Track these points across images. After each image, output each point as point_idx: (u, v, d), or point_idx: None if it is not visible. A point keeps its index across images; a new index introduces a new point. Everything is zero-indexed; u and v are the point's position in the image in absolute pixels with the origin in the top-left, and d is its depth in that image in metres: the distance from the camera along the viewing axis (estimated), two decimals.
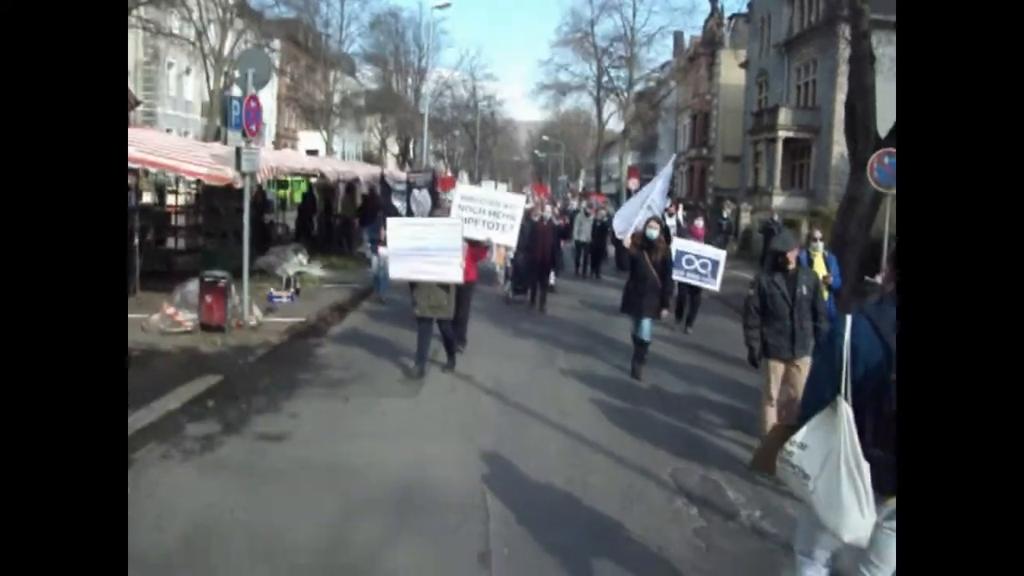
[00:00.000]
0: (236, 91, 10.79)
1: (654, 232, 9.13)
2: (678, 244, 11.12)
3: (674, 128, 53.76)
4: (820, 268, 8.46)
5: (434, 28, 45.32)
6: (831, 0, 29.40)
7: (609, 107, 47.35)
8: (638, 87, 45.98)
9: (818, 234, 9.38)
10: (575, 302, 15.18)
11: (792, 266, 6.47)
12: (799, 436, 3.12)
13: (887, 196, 12.49)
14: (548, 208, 15.42)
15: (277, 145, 38.82)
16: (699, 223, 14.26)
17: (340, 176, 18.85)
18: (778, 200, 31.88)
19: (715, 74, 44.43)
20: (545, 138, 75.48)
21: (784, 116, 31.77)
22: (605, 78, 43.64)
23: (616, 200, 35.35)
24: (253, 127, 10.06)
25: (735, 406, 8.05)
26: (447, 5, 32.30)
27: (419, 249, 8.27)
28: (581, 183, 74.32)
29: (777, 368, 6.55)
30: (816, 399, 3.11)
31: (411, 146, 50.01)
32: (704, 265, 11.22)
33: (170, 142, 14.28)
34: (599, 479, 5.83)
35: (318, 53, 42.09)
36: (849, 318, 3.09)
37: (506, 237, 10.50)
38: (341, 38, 41.34)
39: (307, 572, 4.29)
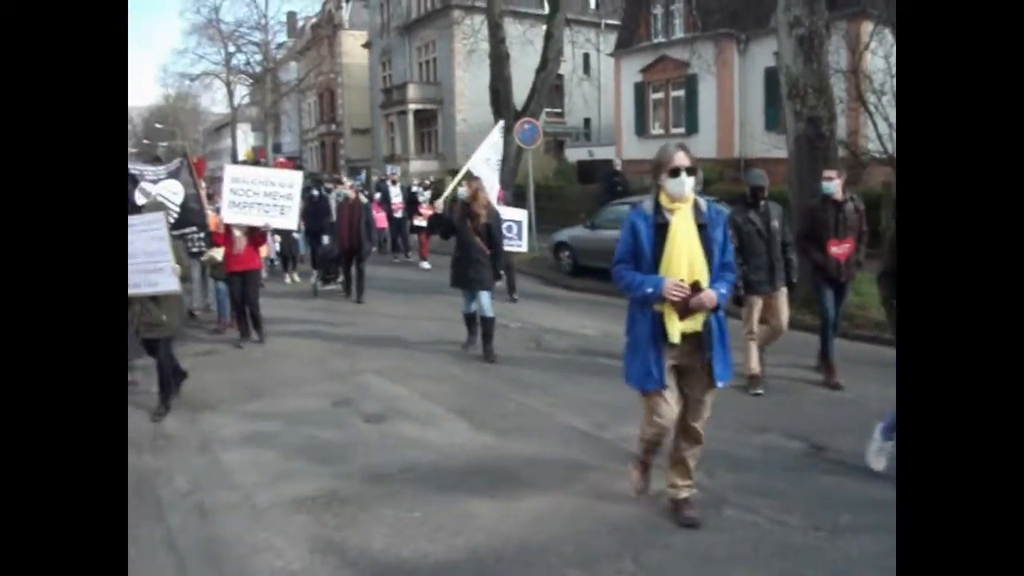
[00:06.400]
0: None
1: (464, 192, 8.43)
2: None
3: (299, 106, 56.45)
4: None
5: None
6: None
7: (241, 91, 48.78)
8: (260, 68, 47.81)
9: None
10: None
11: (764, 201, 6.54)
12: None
13: (527, 151, 18.02)
14: (348, 183, 13.95)
15: None
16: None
17: None
18: (415, 164, 37.11)
19: (338, 54, 48.29)
20: (158, 125, 72.68)
21: (413, 91, 37.12)
22: (235, 61, 45.15)
23: None
24: None
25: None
26: None
27: None
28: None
29: (757, 303, 6.64)
30: None
31: None
32: (509, 228, 10.96)
33: None
34: None
35: None
36: None
37: (285, 220, 9.48)
38: None
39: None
